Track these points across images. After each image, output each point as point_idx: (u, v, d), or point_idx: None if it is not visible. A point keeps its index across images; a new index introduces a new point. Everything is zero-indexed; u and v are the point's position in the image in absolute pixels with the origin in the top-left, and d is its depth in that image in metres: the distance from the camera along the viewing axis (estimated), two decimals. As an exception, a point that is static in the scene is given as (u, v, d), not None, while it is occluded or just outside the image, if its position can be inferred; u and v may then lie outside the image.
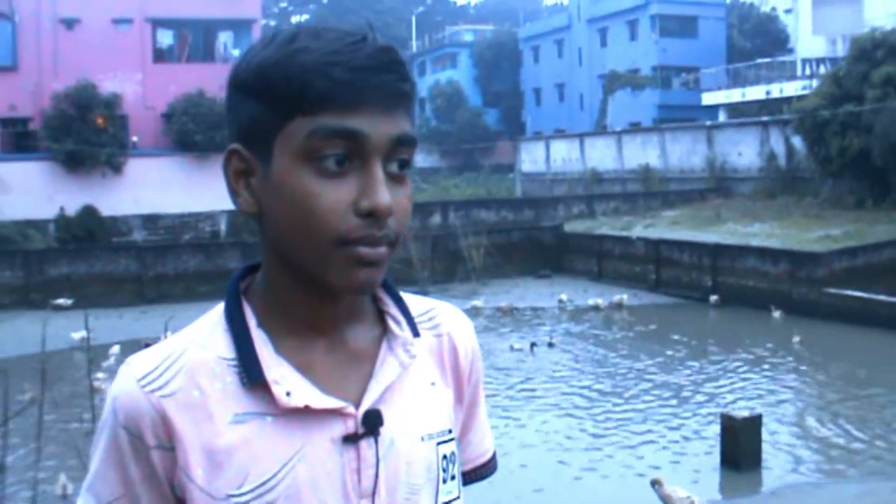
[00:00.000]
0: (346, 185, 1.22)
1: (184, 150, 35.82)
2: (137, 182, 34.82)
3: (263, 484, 1.24)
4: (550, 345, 19.72)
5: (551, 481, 11.57)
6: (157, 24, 38.30)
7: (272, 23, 76.61)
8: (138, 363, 1.30)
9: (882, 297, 20.48)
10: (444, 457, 1.38)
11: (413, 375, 1.38)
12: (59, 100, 34.67)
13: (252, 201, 1.29)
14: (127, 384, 1.28)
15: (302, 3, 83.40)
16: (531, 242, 31.13)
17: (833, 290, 21.43)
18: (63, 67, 35.54)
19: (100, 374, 15.09)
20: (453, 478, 1.40)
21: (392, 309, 1.40)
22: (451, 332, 1.47)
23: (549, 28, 66.20)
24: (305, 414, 1.26)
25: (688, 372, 17.42)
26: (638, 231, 29.53)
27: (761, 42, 54.57)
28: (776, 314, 21.70)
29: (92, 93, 34.88)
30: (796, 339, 18.94)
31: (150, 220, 32.80)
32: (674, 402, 15.38)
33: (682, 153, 38.45)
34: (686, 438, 13.32)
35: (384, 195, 1.22)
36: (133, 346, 19.53)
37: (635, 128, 46.40)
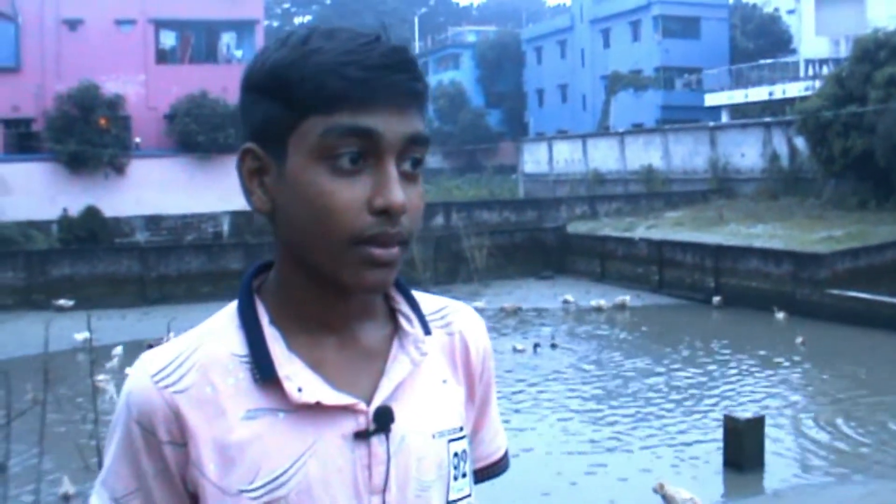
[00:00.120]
0: (360, 184, 1.24)
1: (186, 151, 35.83)
2: (140, 183, 34.84)
3: (275, 479, 1.25)
4: (553, 346, 19.72)
5: (554, 483, 11.56)
6: (159, 25, 38.31)
7: (275, 24, 76.72)
8: (152, 359, 1.31)
9: (885, 299, 20.46)
10: (455, 454, 1.39)
11: (424, 373, 1.39)
12: (62, 101, 34.70)
13: (266, 200, 1.30)
14: (140, 380, 1.29)
15: (304, 4, 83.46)
16: (534, 243, 31.12)
17: (836, 292, 21.41)
18: (66, 68, 35.57)
19: (101, 376, 15.06)
20: (464, 475, 1.41)
21: (404, 307, 1.41)
22: (462, 331, 1.48)
23: (551, 29, 66.20)
24: (317, 410, 1.27)
25: (690, 373, 17.41)
26: (640, 232, 29.52)
27: (764, 43, 54.55)
28: (779, 315, 21.69)
29: (95, 94, 34.91)
30: (799, 339, 18.92)
31: (153, 221, 32.82)
32: (676, 403, 15.37)
33: (685, 154, 38.44)
34: (689, 440, 13.31)
35: (398, 193, 1.23)
36: (136, 347, 19.55)
37: (638, 129, 46.37)
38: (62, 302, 24.68)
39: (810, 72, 42.50)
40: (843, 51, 38.82)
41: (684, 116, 47.64)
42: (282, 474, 1.25)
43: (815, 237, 24.34)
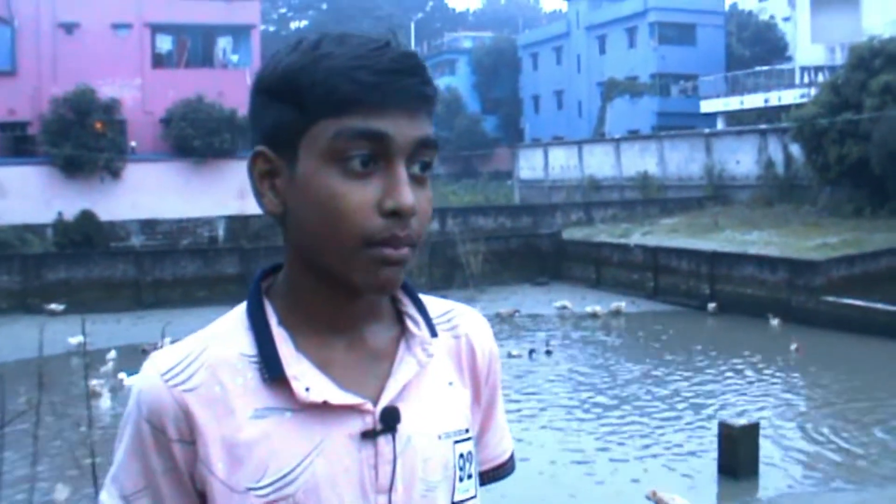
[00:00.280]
0: (370, 186, 1.25)
1: (182, 155, 35.80)
2: (136, 187, 34.80)
3: (283, 477, 1.26)
4: (548, 352, 19.72)
5: (548, 490, 11.55)
6: (156, 29, 38.29)
7: (271, 29, 76.73)
8: (162, 358, 1.32)
9: (880, 306, 20.49)
10: (461, 455, 1.40)
11: (431, 375, 1.40)
12: (58, 104, 34.65)
13: (277, 202, 1.31)
14: (151, 378, 1.31)
15: (301, 9, 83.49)
16: (529, 249, 31.13)
17: (831, 299, 21.43)
18: (62, 72, 35.54)
19: (95, 381, 15.05)
20: (470, 477, 1.42)
21: (410, 309, 1.43)
22: (469, 334, 1.50)
23: (547, 35, 66.25)
24: (324, 409, 1.29)
25: (685, 380, 17.42)
26: (636, 238, 29.54)
27: (760, 50, 54.63)
28: (774, 322, 21.71)
29: (91, 98, 34.87)
30: (794, 346, 18.92)
31: (148, 226, 32.80)
32: (671, 410, 15.37)
33: (681, 161, 38.49)
34: (683, 446, 13.31)
35: (408, 195, 1.25)
36: (130, 351, 19.55)
37: (634, 135, 46.44)
38: (53, 306, 24.67)
39: (806, 79, 42.54)
40: (839, 58, 38.90)
41: (680, 123, 47.67)
42: (289, 472, 1.27)
43: (810, 244, 24.37)
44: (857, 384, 16.56)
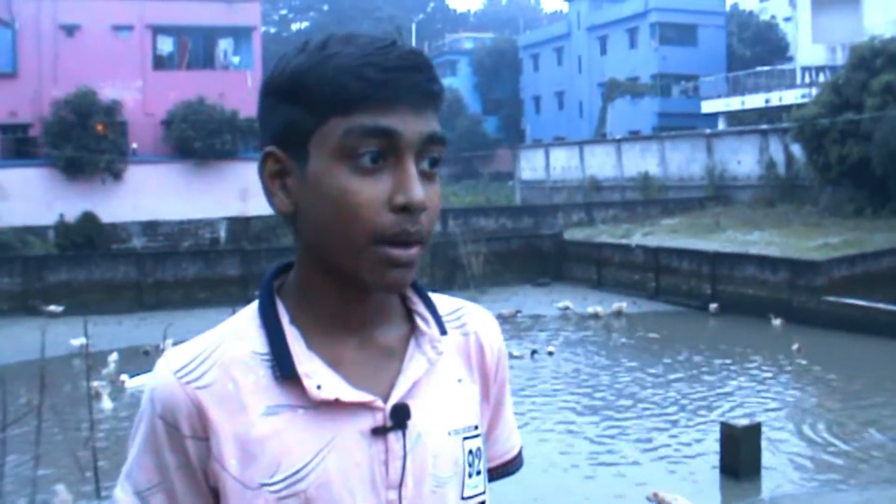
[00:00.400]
0: (381, 182, 1.27)
1: (183, 156, 35.78)
2: (137, 189, 34.79)
3: (295, 473, 1.28)
4: (550, 353, 19.72)
5: (549, 491, 11.54)
6: (157, 31, 38.29)
7: (272, 30, 76.78)
8: (175, 356, 1.34)
9: (881, 306, 20.48)
10: (470, 452, 1.42)
11: (440, 372, 1.42)
12: (59, 106, 34.63)
13: (288, 202, 1.33)
14: (164, 376, 1.33)
15: (302, 10, 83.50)
16: (530, 250, 31.13)
17: (832, 299, 21.43)
18: (63, 74, 35.52)
19: (95, 383, 15.05)
20: (479, 473, 1.44)
21: (420, 307, 1.45)
22: (478, 331, 1.52)
23: (548, 36, 66.27)
24: (336, 407, 1.31)
25: (687, 380, 17.41)
26: (637, 239, 29.53)
27: (761, 50, 54.64)
28: (776, 322, 21.70)
29: (92, 99, 34.85)
30: (795, 346, 18.91)
31: (150, 227, 32.84)
32: (673, 410, 15.37)
33: (682, 161, 38.48)
34: (685, 447, 13.31)
35: (418, 190, 1.27)
36: (132, 353, 19.57)
37: (635, 136, 46.43)
38: (52, 307, 24.68)
39: (807, 79, 42.54)
40: (840, 58, 38.88)
41: (681, 123, 47.68)
42: (301, 468, 1.28)
43: (811, 244, 24.36)
44: (859, 384, 16.56)
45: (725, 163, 35.96)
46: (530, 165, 49.43)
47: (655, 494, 10.19)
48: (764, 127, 36.08)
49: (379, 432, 1.32)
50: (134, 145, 36.51)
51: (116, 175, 34.89)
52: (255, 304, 1.39)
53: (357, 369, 1.35)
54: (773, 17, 58.20)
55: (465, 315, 1.52)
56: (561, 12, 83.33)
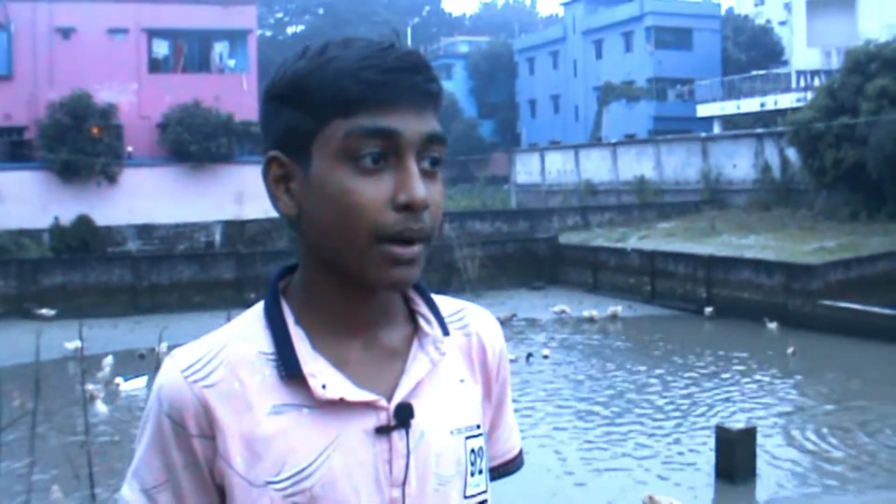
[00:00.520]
0: (383, 182, 1.29)
1: (179, 160, 35.76)
2: (132, 192, 34.76)
3: (300, 472, 1.30)
4: (545, 357, 19.73)
5: (544, 495, 11.54)
6: (152, 34, 38.25)
7: (268, 33, 76.72)
8: (183, 355, 1.36)
9: (877, 309, 20.50)
10: (473, 451, 1.44)
11: (443, 372, 1.44)
12: (55, 109, 34.60)
13: (292, 204, 1.35)
14: (172, 375, 1.34)
15: (297, 14, 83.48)
16: (526, 254, 31.15)
17: (828, 302, 21.45)
18: (58, 77, 35.50)
19: (90, 386, 15.02)
20: (481, 472, 1.46)
21: (423, 309, 1.46)
22: (479, 332, 1.54)
23: (544, 40, 66.33)
24: (340, 406, 1.32)
25: (682, 384, 17.42)
26: (633, 243, 29.55)
27: (756, 54, 54.70)
28: (771, 326, 21.72)
29: (87, 102, 34.82)
30: (790, 349, 18.93)
31: (145, 230, 32.81)
32: (668, 414, 15.37)
33: (677, 165, 38.51)
34: (681, 451, 13.31)
35: (420, 188, 1.29)
36: (127, 356, 19.55)
37: (630, 139, 46.48)
38: (44, 311, 24.65)
39: (802, 83, 42.60)
40: (835, 62, 38.94)
41: (676, 127, 47.71)
42: (307, 467, 1.30)
43: (807, 248, 24.39)
44: (854, 388, 16.58)
45: (721, 167, 36.00)
46: (526, 169, 49.45)
47: (651, 498, 10.19)
48: (759, 131, 36.13)
49: (383, 431, 1.34)
50: (129, 148, 36.48)
51: (112, 178, 34.85)
52: (260, 305, 1.41)
53: (361, 369, 1.37)
54: (768, 21, 58.28)
55: (467, 316, 1.54)
56: (556, 16, 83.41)
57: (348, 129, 1.28)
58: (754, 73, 47.64)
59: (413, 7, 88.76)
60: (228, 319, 1.48)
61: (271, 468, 1.30)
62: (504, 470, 1.62)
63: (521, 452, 1.66)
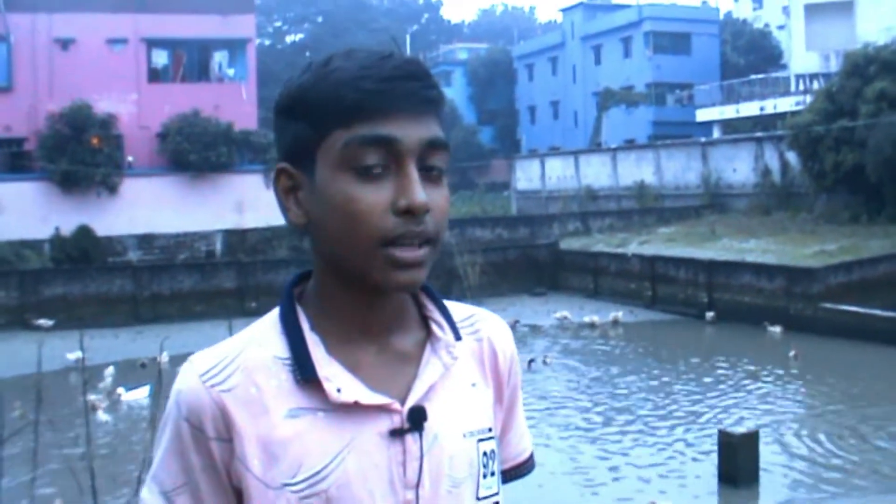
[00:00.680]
0: (384, 188, 1.32)
1: (179, 169, 35.78)
2: (132, 202, 34.78)
3: (316, 474, 1.33)
4: (545, 362, 19.72)
5: (548, 500, 11.52)
6: (151, 44, 38.28)
7: (267, 42, 76.81)
8: (200, 360, 1.39)
9: (878, 312, 20.50)
10: (485, 453, 1.47)
11: (455, 376, 1.47)
12: (54, 120, 34.62)
13: (301, 214, 1.39)
14: (190, 379, 1.37)
15: (296, 22, 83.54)
16: (526, 260, 31.15)
17: (829, 306, 21.45)
18: (58, 87, 35.53)
19: (92, 397, 15.01)
20: (493, 474, 1.48)
21: (435, 314, 1.50)
22: (491, 337, 1.57)
23: (543, 46, 66.38)
24: (355, 409, 1.35)
25: (684, 388, 17.41)
26: (633, 248, 29.55)
27: (755, 58, 54.79)
28: (774, 329, 21.71)
29: (87, 113, 34.84)
30: (792, 353, 18.93)
31: (146, 240, 32.78)
32: (671, 418, 15.36)
33: (677, 170, 38.52)
34: (683, 455, 13.30)
35: (419, 193, 1.31)
36: (128, 366, 19.53)
37: (630, 145, 46.49)
38: (42, 321, 24.65)
39: (801, 87, 42.63)
40: (834, 66, 38.96)
41: (676, 132, 47.70)
42: (322, 469, 1.33)
43: (807, 252, 24.38)
44: (856, 391, 16.56)
45: (721, 171, 36.00)
46: (526, 175, 49.46)
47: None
48: (759, 135, 36.14)
49: (397, 434, 1.36)
50: (129, 158, 36.50)
51: (112, 188, 34.87)
52: (276, 312, 1.44)
53: (375, 373, 1.39)
54: (766, 25, 58.42)
55: (479, 321, 1.57)
56: (555, 22, 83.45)
57: (348, 138, 1.31)
58: (753, 77, 47.70)
59: (412, 14, 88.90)
60: (230, 328, 1.50)
61: (288, 470, 1.32)
62: (516, 472, 1.65)
63: (532, 455, 1.69)
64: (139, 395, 16.82)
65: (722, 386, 17.51)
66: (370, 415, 1.36)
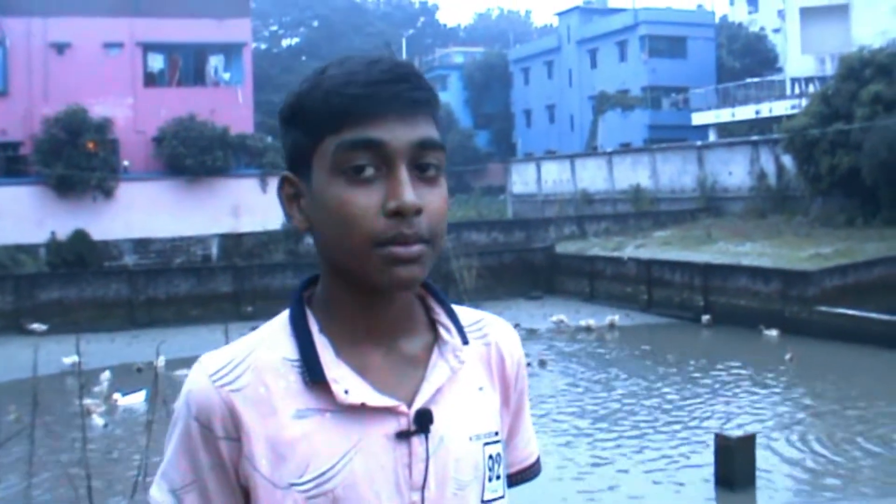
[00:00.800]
0: (374, 191, 1.35)
1: (175, 173, 35.77)
2: (128, 206, 34.75)
3: (323, 474, 1.35)
4: (542, 363, 19.72)
5: (543, 503, 11.51)
6: (147, 48, 38.29)
7: (262, 46, 76.77)
8: (211, 361, 1.42)
9: (873, 315, 20.51)
10: (490, 457, 1.49)
11: (462, 380, 1.49)
12: (50, 124, 34.60)
13: (303, 219, 1.43)
14: (200, 379, 1.40)
15: (292, 26, 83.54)
16: (522, 264, 31.15)
17: (824, 309, 21.46)
18: (54, 92, 35.50)
19: (88, 401, 14.98)
20: (499, 477, 1.51)
21: (443, 318, 1.52)
22: (498, 342, 1.60)
23: (538, 50, 66.45)
24: (362, 411, 1.38)
25: (681, 392, 17.41)
26: (629, 251, 29.55)
27: (750, 62, 54.86)
28: (770, 333, 21.72)
29: (83, 117, 34.82)
30: (788, 356, 18.94)
31: (142, 244, 32.75)
32: (667, 422, 15.35)
33: (673, 173, 38.54)
34: (680, 458, 13.29)
35: (408, 195, 1.33)
36: (124, 371, 19.51)
37: (626, 148, 46.52)
38: (35, 326, 24.61)
39: (796, 90, 42.71)
40: (829, 69, 39.01)
41: (672, 136, 47.79)
42: (329, 469, 1.35)
43: (803, 255, 24.40)
44: (852, 394, 16.57)
45: (716, 174, 36.02)
46: (522, 179, 49.46)
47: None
48: (754, 138, 36.17)
49: (403, 436, 1.39)
50: (125, 163, 36.49)
51: (108, 193, 34.85)
52: (286, 314, 1.46)
53: (383, 376, 1.42)
54: (762, 28, 58.48)
55: (487, 326, 1.60)
56: (551, 26, 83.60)
57: (338, 142, 1.34)
58: (749, 80, 47.77)
59: (408, 18, 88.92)
60: (226, 333, 1.52)
61: (295, 470, 1.35)
62: (522, 476, 1.67)
63: (538, 460, 1.71)
64: (135, 400, 16.79)
65: (718, 389, 17.51)
66: (377, 417, 1.38)
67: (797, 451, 13.47)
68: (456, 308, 1.56)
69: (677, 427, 15.03)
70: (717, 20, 59.40)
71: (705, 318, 24.10)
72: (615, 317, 24.80)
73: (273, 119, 46.37)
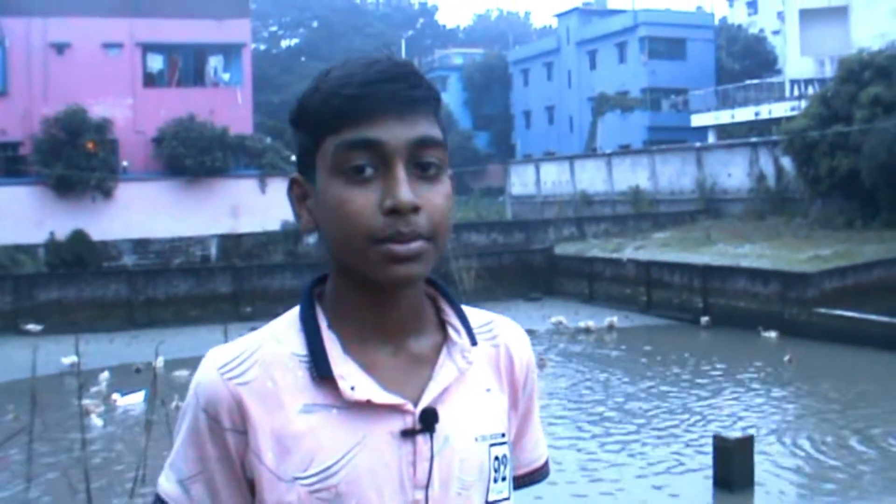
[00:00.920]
0: (372, 189, 1.37)
1: (174, 174, 35.78)
2: (128, 206, 34.76)
3: (327, 469, 1.37)
4: (541, 364, 19.71)
5: (544, 504, 11.51)
6: (147, 48, 38.30)
7: (262, 47, 76.75)
8: (219, 354, 1.45)
9: (872, 317, 20.52)
10: (496, 458, 1.50)
11: (469, 381, 1.51)
12: (49, 124, 34.61)
13: (310, 220, 1.46)
14: (208, 372, 1.43)
15: (292, 27, 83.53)
16: (522, 265, 31.14)
17: (824, 311, 21.46)
18: (53, 92, 35.51)
19: (87, 401, 14.97)
20: (504, 479, 1.52)
21: (452, 319, 1.53)
22: (508, 344, 1.61)
23: (538, 51, 66.48)
24: (368, 408, 1.39)
25: (679, 393, 17.40)
26: (628, 253, 29.55)
27: (750, 63, 54.89)
28: (769, 335, 21.72)
29: (82, 117, 34.83)
30: (787, 358, 18.94)
31: (141, 245, 32.75)
32: (666, 423, 15.34)
33: (672, 175, 38.54)
34: (679, 460, 13.28)
35: (404, 193, 1.35)
36: (123, 371, 19.50)
37: (625, 150, 46.54)
38: (31, 326, 24.60)
39: (796, 92, 42.73)
40: (829, 71, 39.06)
41: (671, 137, 47.81)
42: (333, 464, 1.37)
43: (802, 257, 24.40)
44: (851, 396, 16.56)
45: (716, 176, 36.02)
46: (521, 180, 49.47)
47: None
48: (754, 140, 36.19)
49: (408, 434, 1.40)
50: (124, 163, 36.49)
51: (107, 193, 34.86)
52: (296, 310, 1.48)
53: (390, 374, 1.43)
54: (761, 30, 58.51)
55: (496, 328, 1.61)
56: (550, 27, 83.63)
57: (337, 143, 1.36)
58: (748, 82, 47.80)
59: (407, 19, 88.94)
60: (225, 333, 1.52)
61: (300, 464, 1.36)
62: (530, 479, 1.70)
63: (547, 462, 1.73)
64: (134, 400, 16.78)
65: (717, 390, 17.50)
66: (383, 414, 1.39)
67: (796, 452, 13.47)
68: (466, 309, 1.57)
69: (675, 428, 15.02)
70: (716, 22, 59.45)
71: (704, 319, 24.10)
72: (614, 318, 24.79)
73: (272, 119, 46.41)
